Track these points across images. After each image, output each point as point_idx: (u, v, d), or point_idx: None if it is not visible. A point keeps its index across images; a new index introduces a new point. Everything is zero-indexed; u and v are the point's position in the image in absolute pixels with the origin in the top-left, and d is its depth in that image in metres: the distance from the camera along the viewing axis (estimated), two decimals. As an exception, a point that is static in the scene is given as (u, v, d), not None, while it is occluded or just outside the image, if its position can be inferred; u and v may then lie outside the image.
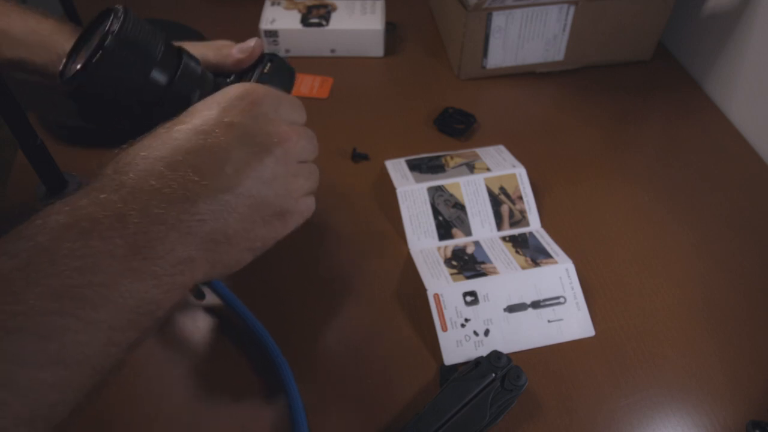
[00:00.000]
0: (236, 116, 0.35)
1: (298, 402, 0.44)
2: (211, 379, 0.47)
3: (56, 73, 0.46)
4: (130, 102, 0.39)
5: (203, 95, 0.41)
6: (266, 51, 0.47)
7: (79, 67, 0.37)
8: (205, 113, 0.35)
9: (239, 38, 0.47)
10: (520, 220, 0.58)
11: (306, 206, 0.40)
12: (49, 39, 0.48)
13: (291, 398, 0.45)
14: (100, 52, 0.36)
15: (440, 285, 0.50)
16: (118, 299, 0.28)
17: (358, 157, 0.65)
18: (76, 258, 0.28)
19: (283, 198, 0.37)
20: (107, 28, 0.37)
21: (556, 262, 0.52)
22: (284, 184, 0.37)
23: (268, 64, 0.44)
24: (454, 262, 0.53)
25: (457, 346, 0.48)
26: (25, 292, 0.26)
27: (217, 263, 0.34)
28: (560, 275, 0.52)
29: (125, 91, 0.38)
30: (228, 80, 0.45)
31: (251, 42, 0.45)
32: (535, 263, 0.53)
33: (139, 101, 0.39)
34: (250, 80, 0.44)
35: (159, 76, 0.39)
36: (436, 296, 0.50)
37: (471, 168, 0.59)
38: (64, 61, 0.40)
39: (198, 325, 0.50)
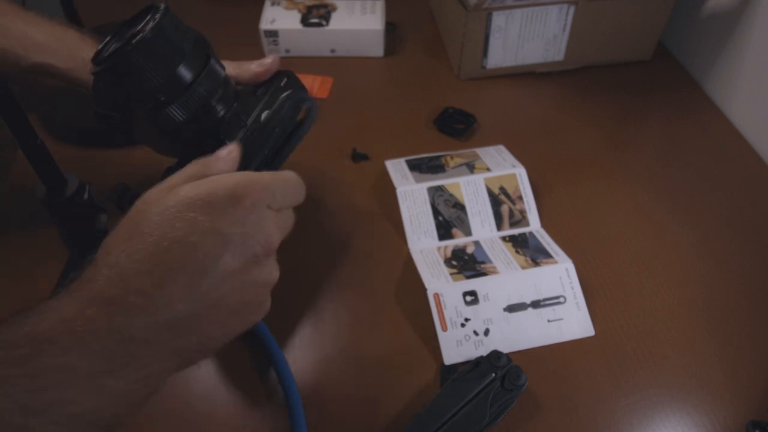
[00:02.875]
0: (228, 225, 0.33)
1: (297, 401, 0.44)
2: (212, 377, 0.47)
3: (80, 77, 0.47)
4: (150, 96, 0.39)
5: (223, 98, 0.41)
6: (267, 53, 0.47)
7: (115, 47, 0.38)
8: (195, 216, 0.32)
9: (239, 38, 0.47)
10: (520, 220, 0.58)
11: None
12: (74, 45, 0.49)
13: (290, 397, 0.44)
14: (140, 36, 0.37)
15: (440, 285, 0.50)
16: (78, 415, 0.29)
17: (358, 157, 0.65)
18: (51, 373, 0.28)
19: (261, 295, 0.36)
20: (149, 17, 0.38)
21: (556, 262, 0.52)
22: (265, 284, 0.36)
23: (285, 80, 0.45)
24: (454, 262, 0.53)
25: (457, 346, 0.48)
26: None
27: (184, 366, 0.34)
28: (560, 275, 0.52)
29: (150, 82, 0.39)
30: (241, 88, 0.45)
31: (269, 58, 0.46)
32: (535, 263, 0.53)
33: (159, 96, 0.39)
34: (266, 95, 0.44)
35: (185, 72, 0.39)
36: (436, 296, 0.50)
37: (471, 168, 0.59)
38: (99, 46, 0.41)
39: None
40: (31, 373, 0.28)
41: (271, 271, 0.36)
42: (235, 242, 0.33)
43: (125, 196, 0.41)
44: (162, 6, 0.39)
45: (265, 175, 0.36)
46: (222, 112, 0.41)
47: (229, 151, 0.38)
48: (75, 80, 0.49)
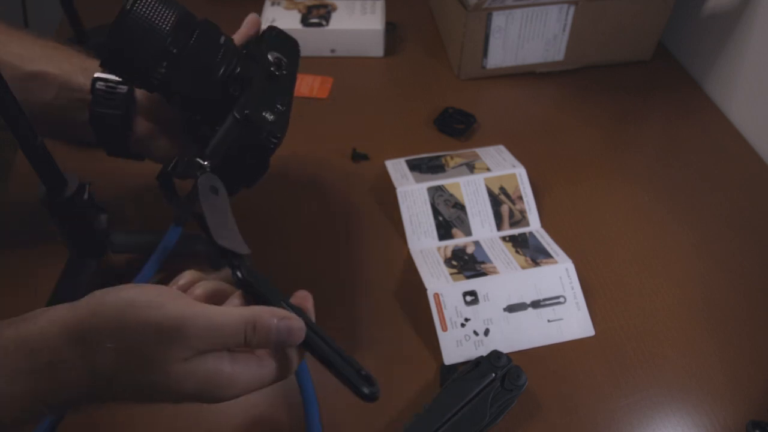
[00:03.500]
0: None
1: (311, 395, 0.44)
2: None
3: (76, 81, 0.47)
4: (153, 64, 0.40)
5: (224, 60, 0.42)
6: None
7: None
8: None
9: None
10: (520, 220, 0.58)
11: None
12: (69, 54, 0.49)
13: (305, 391, 0.45)
14: (127, 6, 0.38)
15: (440, 285, 0.50)
16: None
17: (358, 157, 0.65)
18: None
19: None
20: None
21: (556, 262, 0.52)
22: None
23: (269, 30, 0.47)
24: (454, 262, 0.53)
25: (457, 346, 0.48)
26: None
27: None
28: (560, 275, 0.52)
29: (148, 48, 0.40)
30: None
31: (249, 16, 0.48)
32: (535, 263, 0.53)
33: (171, 48, 0.40)
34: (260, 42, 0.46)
35: (189, 19, 0.41)
36: (436, 296, 0.50)
37: (471, 168, 0.59)
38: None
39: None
40: None
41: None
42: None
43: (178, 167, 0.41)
44: None
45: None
46: (226, 67, 0.42)
47: (187, 277, 0.37)
48: (70, 84, 0.48)
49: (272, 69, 0.43)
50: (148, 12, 0.39)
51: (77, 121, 0.47)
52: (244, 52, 0.45)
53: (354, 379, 0.35)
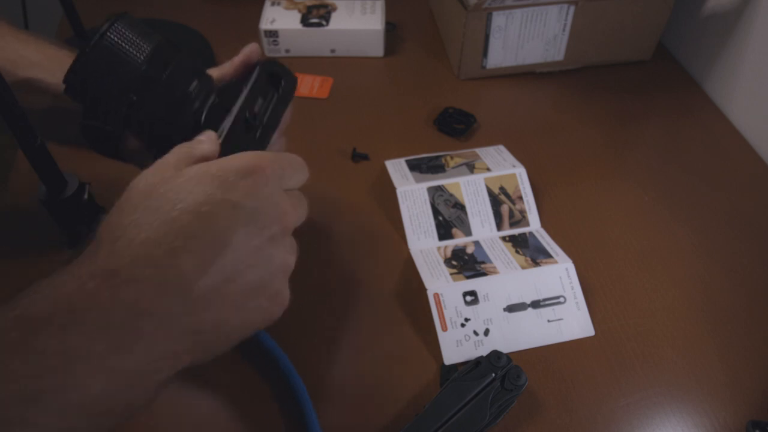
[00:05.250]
0: (241, 197, 0.32)
1: (306, 399, 0.44)
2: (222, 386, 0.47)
3: None
4: (121, 98, 0.40)
5: (203, 88, 0.41)
6: (267, 53, 0.47)
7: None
8: (206, 189, 0.31)
9: (240, 38, 0.47)
10: (520, 220, 0.58)
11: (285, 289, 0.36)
12: (65, 61, 0.48)
13: (299, 395, 0.45)
14: (92, 43, 0.38)
15: (440, 285, 0.50)
16: (83, 404, 0.26)
17: (358, 157, 0.65)
18: (49, 356, 0.26)
19: (278, 281, 0.34)
20: (108, 23, 0.39)
21: (556, 262, 0.52)
22: (281, 267, 0.34)
23: (262, 66, 0.44)
24: (454, 262, 0.53)
25: (457, 346, 0.48)
26: None
27: (200, 353, 0.31)
28: (560, 275, 0.52)
29: (118, 82, 0.39)
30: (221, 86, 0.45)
31: (247, 47, 0.45)
32: (535, 263, 0.53)
33: (131, 96, 0.40)
34: (247, 82, 0.43)
35: (151, 69, 0.40)
36: (436, 296, 0.50)
37: (471, 168, 0.59)
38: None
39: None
40: (25, 357, 0.25)
41: (288, 254, 0.35)
42: (249, 215, 0.32)
43: None
44: (123, 12, 0.40)
45: (272, 154, 0.36)
46: (199, 104, 0.41)
47: (208, 135, 0.37)
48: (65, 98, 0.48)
49: (247, 117, 0.41)
50: (119, 41, 0.38)
51: (72, 130, 0.46)
52: (217, 98, 0.42)
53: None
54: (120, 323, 0.27)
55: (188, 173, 0.32)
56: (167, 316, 0.29)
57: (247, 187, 0.32)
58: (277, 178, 0.34)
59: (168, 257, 0.29)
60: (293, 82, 0.44)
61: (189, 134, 0.39)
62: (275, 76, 0.43)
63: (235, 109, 0.40)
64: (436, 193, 0.57)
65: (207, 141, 0.37)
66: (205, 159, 0.35)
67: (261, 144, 0.42)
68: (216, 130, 0.40)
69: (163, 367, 0.29)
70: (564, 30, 0.73)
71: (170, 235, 0.29)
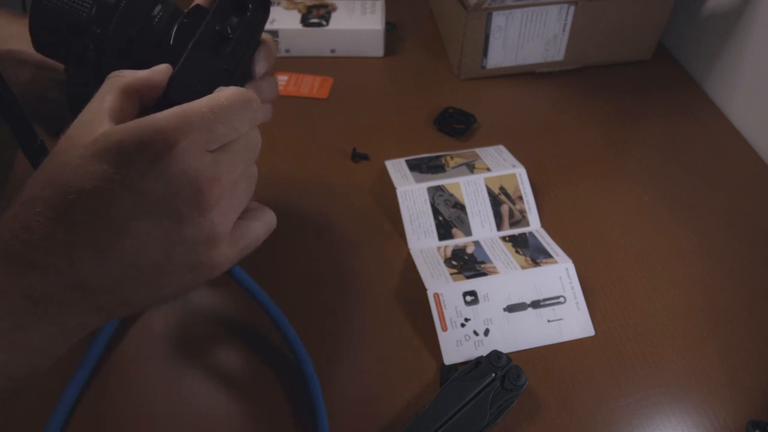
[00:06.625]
0: (143, 182, 0.28)
1: (317, 391, 0.45)
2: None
3: (54, 62, 0.46)
4: (87, 34, 0.39)
5: (167, 10, 0.40)
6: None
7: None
8: (107, 170, 0.28)
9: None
10: (520, 220, 0.58)
11: (229, 254, 0.33)
12: None
13: (311, 387, 0.45)
14: None
15: (440, 285, 0.50)
16: None
17: (358, 157, 0.65)
18: None
19: (198, 254, 0.31)
20: None
21: (556, 262, 0.52)
22: (200, 241, 0.31)
23: None
24: (454, 262, 0.53)
25: (457, 346, 0.48)
26: None
27: (111, 317, 0.32)
28: (560, 275, 0.52)
29: (76, 17, 0.39)
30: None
31: None
32: (535, 263, 0.53)
33: (95, 29, 0.39)
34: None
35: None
36: (436, 296, 0.50)
37: (471, 168, 0.59)
38: None
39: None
40: None
41: (212, 226, 0.31)
42: (152, 201, 0.28)
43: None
44: None
45: (196, 109, 0.29)
46: (164, 26, 0.40)
47: (158, 70, 0.33)
48: (45, 64, 0.45)
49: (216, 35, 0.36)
50: None
51: (57, 104, 0.45)
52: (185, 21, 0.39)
53: None
54: (22, 307, 0.28)
55: (98, 140, 0.29)
56: (69, 302, 0.29)
57: (154, 170, 0.28)
58: (198, 148, 0.29)
59: (61, 247, 0.28)
60: (263, 2, 0.39)
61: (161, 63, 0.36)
62: None
63: (197, 33, 0.36)
64: (436, 193, 0.57)
65: (152, 70, 0.33)
66: (136, 86, 0.32)
67: (230, 80, 0.36)
68: (185, 47, 0.36)
69: (70, 336, 0.30)
70: (564, 30, 0.73)
71: (63, 224, 0.28)
